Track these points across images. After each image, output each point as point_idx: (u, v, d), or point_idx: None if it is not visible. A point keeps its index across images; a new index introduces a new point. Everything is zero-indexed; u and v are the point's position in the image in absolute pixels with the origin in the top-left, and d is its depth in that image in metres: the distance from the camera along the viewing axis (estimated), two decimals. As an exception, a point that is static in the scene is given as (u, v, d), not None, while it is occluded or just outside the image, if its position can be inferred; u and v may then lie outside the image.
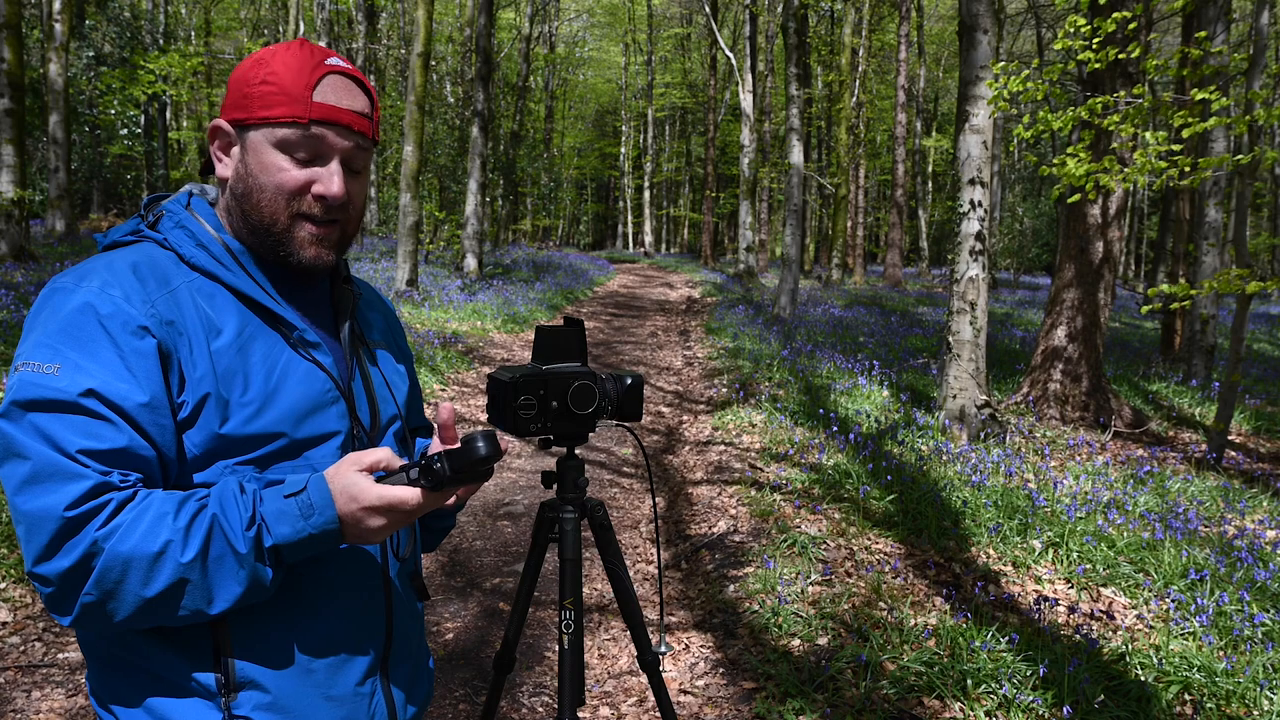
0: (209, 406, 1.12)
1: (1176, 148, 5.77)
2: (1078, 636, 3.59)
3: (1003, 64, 6.71)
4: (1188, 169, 5.70)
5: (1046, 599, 3.97)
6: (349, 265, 1.38)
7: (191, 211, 1.24)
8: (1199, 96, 5.29)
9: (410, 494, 1.12)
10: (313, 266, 1.23)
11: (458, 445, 1.16)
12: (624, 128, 45.29)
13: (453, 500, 1.27)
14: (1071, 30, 6.07)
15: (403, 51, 31.04)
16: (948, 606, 3.89)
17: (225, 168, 1.23)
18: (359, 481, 1.11)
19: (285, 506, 1.09)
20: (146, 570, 1.04)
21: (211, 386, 1.12)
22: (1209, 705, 3.13)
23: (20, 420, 1.05)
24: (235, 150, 1.21)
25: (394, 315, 1.52)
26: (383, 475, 1.14)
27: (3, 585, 3.68)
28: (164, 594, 1.05)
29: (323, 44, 18.89)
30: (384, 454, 1.15)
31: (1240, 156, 5.45)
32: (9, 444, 1.05)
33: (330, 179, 1.20)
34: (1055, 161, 6.15)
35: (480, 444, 1.14)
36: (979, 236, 6.91)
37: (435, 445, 1.28)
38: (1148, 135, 5.68)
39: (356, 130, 1.21)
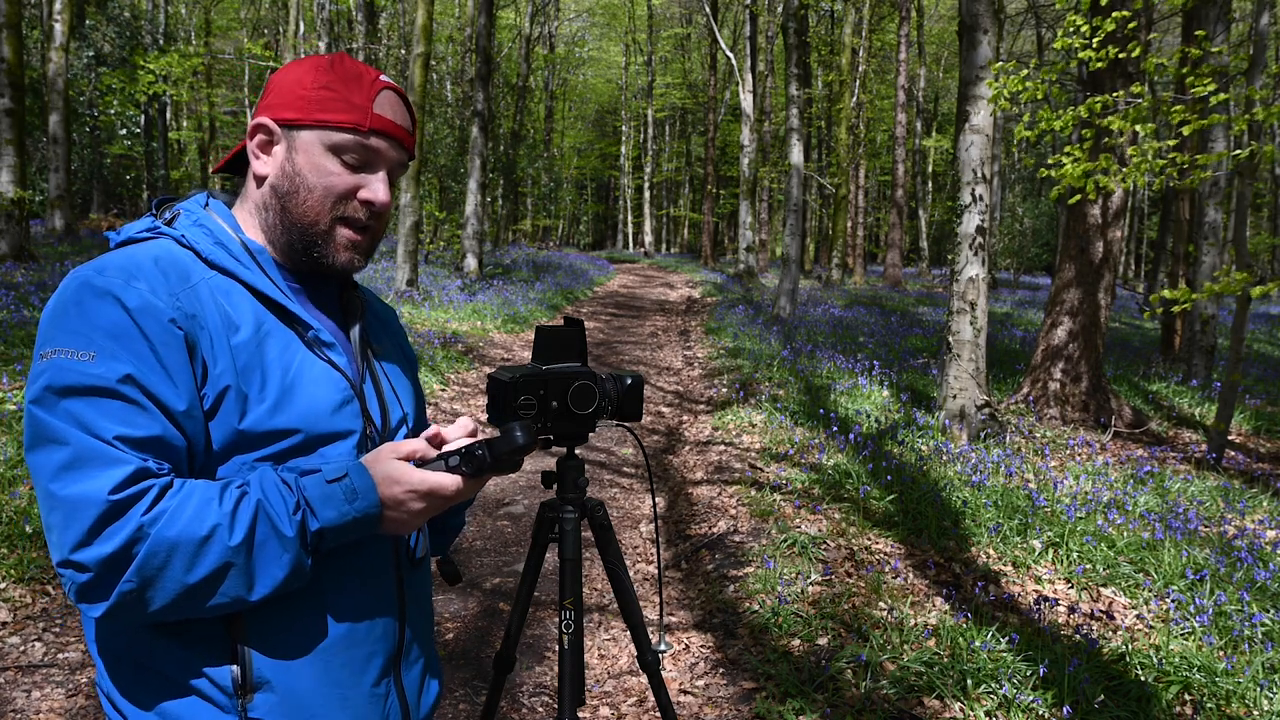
0: (228, 401, 1.13)
1: (1172, 142, 5.77)
2: (1078, 636, 3.59)
3: (1001, 63, 6.71)
4: (1186, 165, 5.70)
5: (1046, 599, 3.97)
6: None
7: (210, 211, 1.26)
8: (1200, 93, 5.29)
9: (451, 480, 1.17)
10: (344, 269, 1.27)
11: (497, 434, 1.21)
12: (624, 128, 45.28)
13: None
14: (1071, 30, 6.07)
15: (403, 51, 31.03)
16: (948, 606, 3.89)
17: (264, 165, 1.25)
18: (400, 467, 1.16)
19: (329, 491, 1.12)
20: (192, 555, 1.05)
21: (231, 380, 1.13)
22: (1209, 705, 3.13)
23: (54, 406, 1.05)
24: (279, 149, 1.24)
25: (397, 322, 1.54)
26: (419, 464, 1.18)
27: (3, 585, 3.68)
28: (207, 579, 1.06)
29: (322, 44, 18.93)
30: (420, 444, 1.20)
31: (1239, 151, 5.45)
32: (43, 430, 1.05)
33: (378, 187, 1.25)
34: (1051, 160, 6.15)
35: (519, 433, 1.19)
36: (979, 237, 6.91)
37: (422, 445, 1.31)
38: (1138, 128, 5.66)
39: (405, 145, 1.27)
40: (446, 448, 1.25)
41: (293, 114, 1.22)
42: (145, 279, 1.11)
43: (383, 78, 1.26)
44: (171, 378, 1.09)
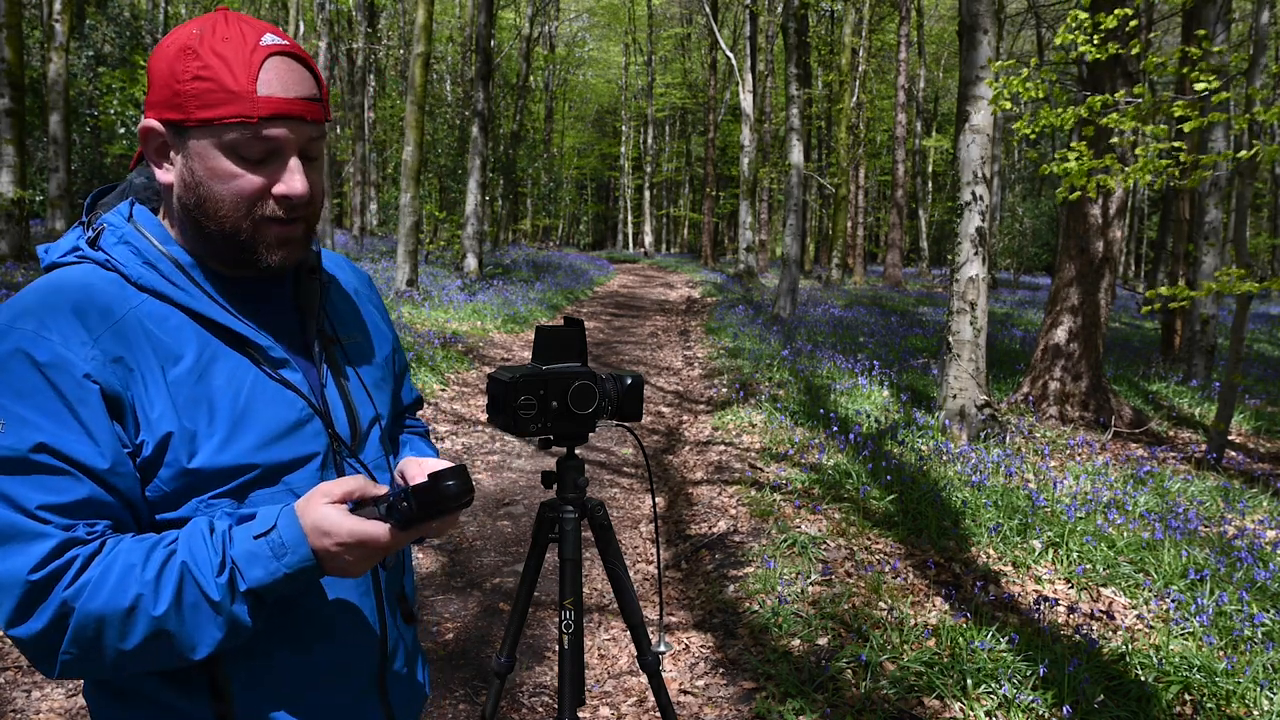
0: (174, 444, 1.05)
1: (1179, 144, 5.78)
2: (1078, 636, 3.59)
3: (1001, 62, 6.71)
4: (1188, 164, 5.70)
5: (1046, 599, 3.97)
6: (319, 254, 1.27)
7: (134, 224, 1.14)
8: (1201, 89, 5.28)
9: (380, 530, 1.06)
10: (282, 267, 1.14)
11: (425, 480, 1.09)
12: (624, 128, 45.28)
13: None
14: (1073, 25, 6.07)
15: (402, 51, 31.04)
16: (948, 606, 3.89)
17: (167, 174, 1.12)
18: (329, 515, 1.05)
19: (256, 548, 1.03)
20: (120, 625, 1.00)
21: (173, 424, 1.05)
22: (1209, 705, 3.13)
23: None
24: (176, 156, 1.10)
25: (368, 285, 1.41)
26: (356, 504, 1.09)
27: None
28: (142, 646, 1.02)
29: (323, 44, 18.88)
30: (356, 483, 1.09)
31: (1241, 154, 5.46)
32: None
33: (292, 178, 1.10)
34: (1056, 155, 6.16)
35: (450, 483, 1.07)
36: (979, 237, 6.91)
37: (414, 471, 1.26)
38: (1148, 129, 5.67)
39: (310, 120, 1.10)
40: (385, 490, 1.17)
41: (175, 114, 1.07)
42: (57, 328, 1.02)
43: (265, 40, 1.07)
44: (91, 436, 1.01)
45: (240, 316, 1.14)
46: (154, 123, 1.10)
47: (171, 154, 1.11)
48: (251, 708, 1.13)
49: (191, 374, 1.08)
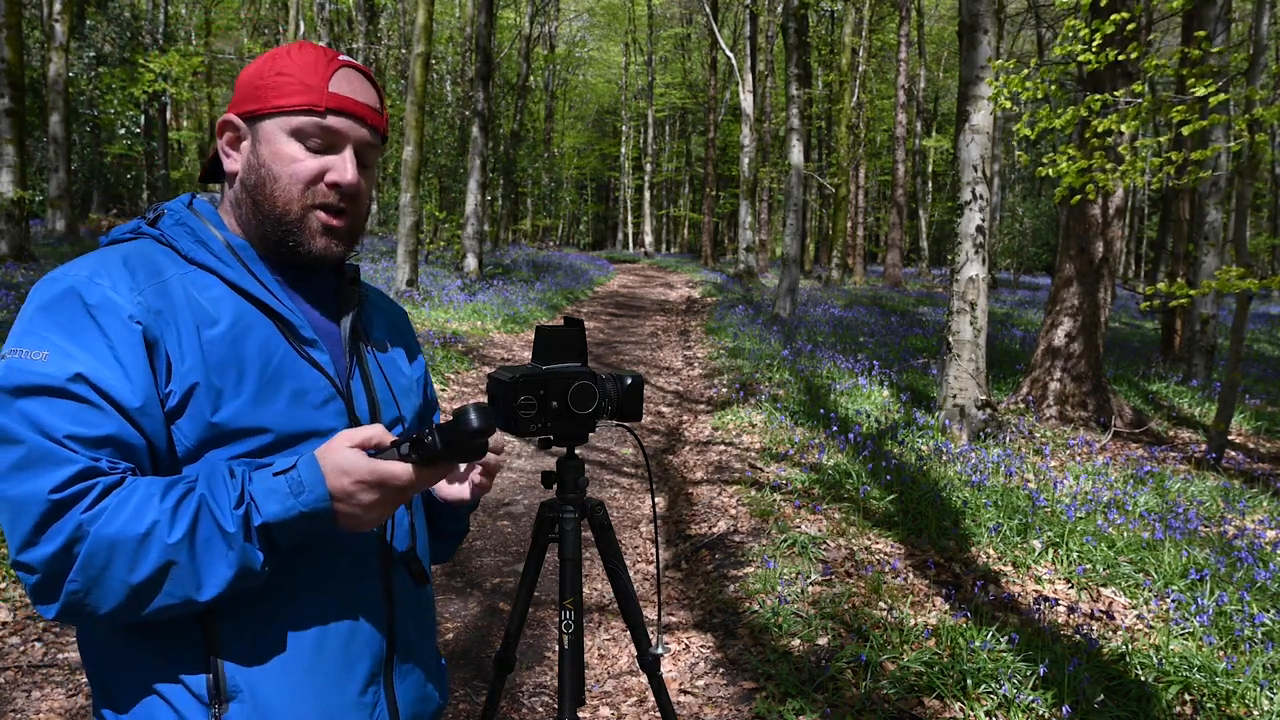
0: (199, 395, 1.11)
1: (1165, 139, 5.77)
2: (1078, 636, 3.59)
3: (1001, 61, 6.71)
4: (1182, 163, 5.70)
5: (1046, 599, 3.97)
6: (358, 270, 1.36)
7: (193, 210, 1.25)
8: (1199, 93, 5.29)
9: (401, 469, 1.10)
10: (322, 257, 1.23)
11: (450, 417, 1.12)
12: (624, 128, 45.27)
13: (466, 495, 1.27)
14: (1070, 34, 6.07)
15: (403, 51, 31.04)
16: (948, 606, 3.89)
17: (234, 162, 1.24)
18: (350, 456, 1.09)
19: (274, 484, 1.08)
20: (133, 553, 1.03)
21: (201, 376, 1.11)
22: (1209, 705, 3.13)
23: (8, 407, 1.05)
24: (245, 144, 1.23)
25: (405, 320, 1.50)
26: (375, 453, 1.12)
27: (3, 585, 3.68)
28: (151, 579, 1.04)
29: (323, 44, 18.87)
30: (376, 430, 1.13)
31: (1232, 144, 5.46)
32: None
33: (344, 167, 1.22)
34: (1046, 159, 6.16)
35: (472, 416, 1.10)
36: (979, 235, 6.91)
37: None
38: (1123, 127, 5.65)
39: (370, 123, 1.24)
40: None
41: (253, 105, 1.21)
42: (108, 275, 1.11)
43: (342, 57, 1.24)
44: (127, 374, 1.07)
45: (279, 298, 1.22)
46: (232, 116, 1.23)
47: (241, 143, 1.24)
48: (243, 687, 1.13)
49: (225, 338, 1.15)
